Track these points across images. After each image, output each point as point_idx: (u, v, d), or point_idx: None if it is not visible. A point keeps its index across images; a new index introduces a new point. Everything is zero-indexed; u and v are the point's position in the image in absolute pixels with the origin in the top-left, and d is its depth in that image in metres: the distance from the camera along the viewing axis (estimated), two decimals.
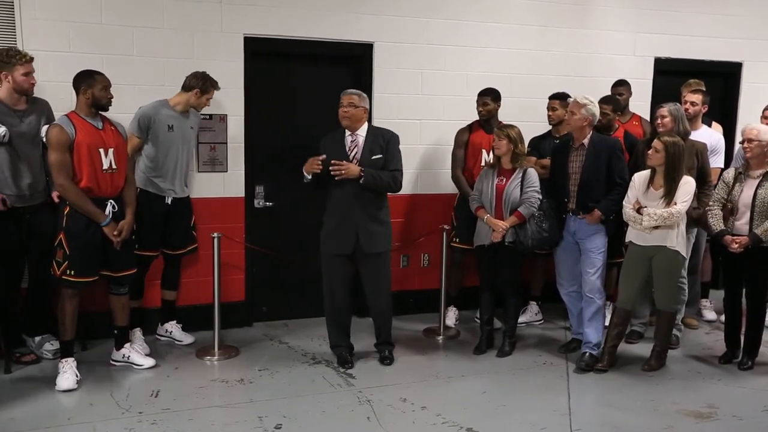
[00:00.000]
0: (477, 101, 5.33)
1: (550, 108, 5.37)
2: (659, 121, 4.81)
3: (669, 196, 4.41)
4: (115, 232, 4.25)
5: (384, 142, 4.53)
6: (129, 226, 4.36)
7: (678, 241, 4.50)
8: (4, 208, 4.22)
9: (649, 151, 4.49)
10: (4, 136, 4.20)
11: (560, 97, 5.33)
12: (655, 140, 4.49)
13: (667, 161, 4.40)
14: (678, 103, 4.97)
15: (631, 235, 4.62)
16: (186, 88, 4.72)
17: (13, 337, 4.53)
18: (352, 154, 4.50)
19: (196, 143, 5.00)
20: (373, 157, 4.48)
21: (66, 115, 4.21)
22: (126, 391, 4.21)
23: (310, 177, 4.47)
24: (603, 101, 5.18)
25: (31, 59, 4.29)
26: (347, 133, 4.54)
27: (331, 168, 4.37)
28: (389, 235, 4.67)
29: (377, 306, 4.71)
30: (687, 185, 4.44)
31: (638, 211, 4.46)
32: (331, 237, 4.55)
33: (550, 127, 5.49)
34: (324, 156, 4.42)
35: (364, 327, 5.14)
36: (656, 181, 4.49)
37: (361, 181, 4.40)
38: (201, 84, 4.69)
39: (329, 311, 4.70)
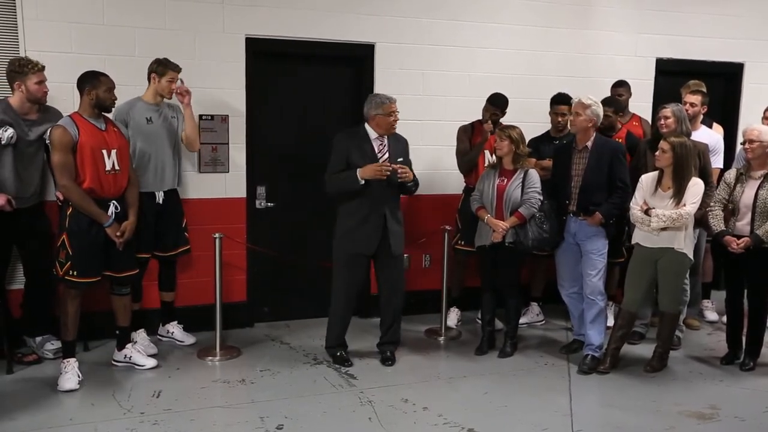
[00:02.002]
0: (486, 108, 5.30)
1: (559, 114, 5.30)
2: (662, 121, 4.80)
3: (678, 196, 4.41)
4: (118, 233, 4.26)
5: (403, 147, 4.67)
6: (132, 227, 4.36)
7: (685, 243, 4.49)
8: (10, 208, 4.24)
9: (657, 153, 4.49)
10: (11, 137, 4.23)
11: (567, 101, 5.25)
12: (662, 141, 4.48)
13: (675, 161, 4.40)
14: (680, 104, 4.96)
15: (638, 237, 4.61)
16: (148, 78, 4.70)
17: (13, 338, 4.53)
18: (383, 157, 4.54)
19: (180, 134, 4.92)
20: (399, 160, 4.57)
21: (69, 116, 4.22)
22: (128, 391, 4.21)
23: (363, 182, 4.46)
24: (604, 103, 5.16)
25: (43, 68, 4.32)
26: (374, 136, 4.55)
27: (399, 172, 4.47)
28: (403, 235, 4.74)
29: (395, 306, 4.73)
30: (696, 187, 4.43)
31: (646, 212, 4.45)
32: (352, 237, 4.55)
33: (550, 128, 5.48)
34: (386, 158, 4.54)
35: (367, 327, 5.15)
36: (664, 182, 4.48)
37: (411, 185, 4.62)
38: (156, 67, 4.66)
39: (340, 312, 4.69)
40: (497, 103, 5.28)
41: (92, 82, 4.18)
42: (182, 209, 4.97)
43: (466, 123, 5.46)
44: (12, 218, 4.31)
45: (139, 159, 4.65)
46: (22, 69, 4.25)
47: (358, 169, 4.43)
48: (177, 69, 4.69)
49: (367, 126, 4.56)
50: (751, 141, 4.54)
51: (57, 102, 4.54)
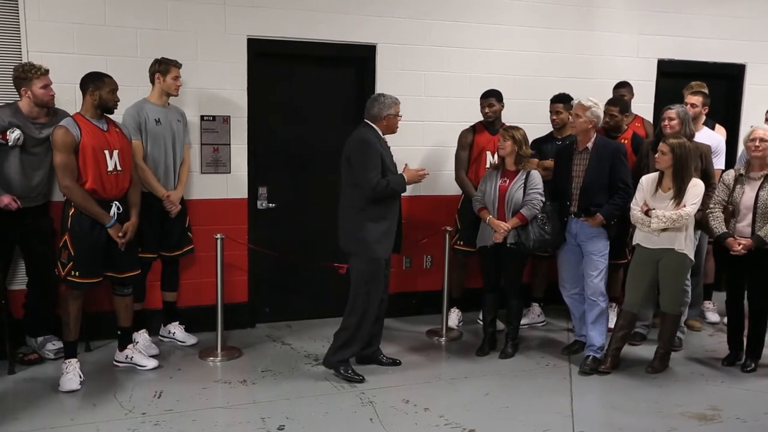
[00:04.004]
0: (482, 103, 5.33)
1: (553, 111, 5.36)
2: (666, 122, 4.79)
3: (678, 197, 4.41)
4: (120, 234, 4.26)
5: None
6: (134, 227, 4.37)
7: (686, 244, 4.49)
8: (16, 206, 4.27)
9: (656, 155, 4.49)
10: (18, 139, 4.26)
11: (563, 100, 5.32)
12: (661, 143, 4.49)
13: (675, 163, 4.40)
14: (684, 106, 4.97)
15: (639, 238, 4.61)
16: (151, 80, 4.72)
17: (15, 338, 4.54)
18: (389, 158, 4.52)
19: (187, 139, 4.95)
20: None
21: (71, 116, 4.23)
22: (129, 392, 4.22)
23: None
24: (610, 103, 5.20)
25: (47, 71, 4.33)
26: (384, 137, 4.49)
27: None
28: None
29: (386, 305, 4.69)
30: (696, 187, 4.44)
31: (646, 213, 4.45)
32: (384, 241, 4.39)
33: (553, 129, 5.49)
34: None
35: None
36: (664, 184, 4.49)
37: None
38: (158, 67, 4.68)
39: (370, 320, 4.47)
40: (488, 95, 5.30)
41: (96, 83, 4.19)
42: (186, 209, 4.98)
43: (467, 126, 5.45)
44: (15, 218, 4.32)
45: (149, 161, 4.67)
46: (26, 75, 4.27)
47: (403, 174, 4.39)
48: (178, 65, 4.72)
49: (375, 127, 4.43)
50: (762, 140, 4.51)
51: (59, 102, 4.53)
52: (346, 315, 4.49)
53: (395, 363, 4.78)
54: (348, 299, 4.49)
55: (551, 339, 5.41)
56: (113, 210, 4.27)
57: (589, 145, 4.68)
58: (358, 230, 4.36)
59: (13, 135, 4.25)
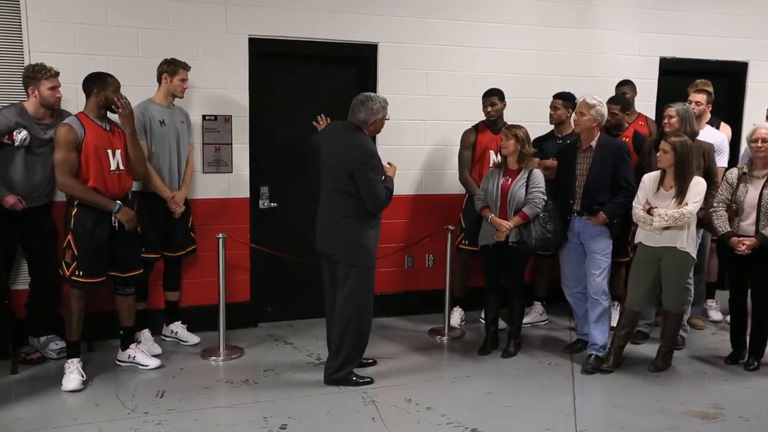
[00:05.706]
0: (483, 102, 5.32)
1: (552, 107, 5.35)
2: (666, 121, 4.80)
3: (680, 196, 4.40)
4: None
5: None
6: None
7: (688, 242, 4.48)
8: (22, 206, 4.28)
9: (658, 153, 4.48)
10: (24, 140, 4.28)
11: (564, 97, 5.31)
12: (662, 141, 4.48)
13: (677, 161, 4.39)
14: (686, 104, 4.96)
15: (641, 236, 4.60)
16: (158, 79, 4.73)
17: (17, 338, 4.55)
18: None
19: (190, 139, 4.96)
20: None
21: (75, 115, 4.24)
22: (131, 391, 4.22)
23: None
24: (611, 101, 5.19)
25: (57, 74, 4.34)
26: None
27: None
28: None
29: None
30: (698, 186, 4.43)
31: (648, 211, 4.45)
32: (376, 249, 4.30)
33: (553, 127, 5.49)
34: None
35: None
36: (666, 182, 4.48)
37: None
38: (166, 67, 4.68)
39: (370, 327, 4.42)
40: (490, 94, 5.30)
41: (100, 84, 4.21)
42: (189, 209, 4.98)
43: (469, 125, 5.44)
44: (18, 218, 4.34)
45: (153, 162, 4.68)
46: (35, 75, 4.29)
47: (390, 176, 4.29)
48: (187, 67, 4.72)
49: (364, 130, 4.24)
50: (764, 140, 4.49)
51: (61, 102, 4.54)
52: (345, 331, 4.26)
53: (373, 363, 4.71)
54: (340, 314, 4.26)
55: (553, 338, 5.40)
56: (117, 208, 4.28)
57: (593, 143, 4.67)
58: (359, 239, 4.18)
59: (20, 135, 4.26)
